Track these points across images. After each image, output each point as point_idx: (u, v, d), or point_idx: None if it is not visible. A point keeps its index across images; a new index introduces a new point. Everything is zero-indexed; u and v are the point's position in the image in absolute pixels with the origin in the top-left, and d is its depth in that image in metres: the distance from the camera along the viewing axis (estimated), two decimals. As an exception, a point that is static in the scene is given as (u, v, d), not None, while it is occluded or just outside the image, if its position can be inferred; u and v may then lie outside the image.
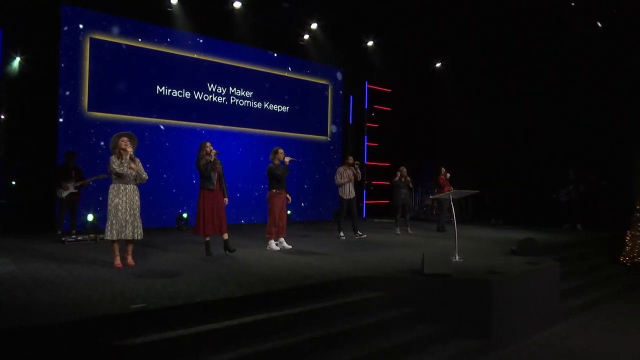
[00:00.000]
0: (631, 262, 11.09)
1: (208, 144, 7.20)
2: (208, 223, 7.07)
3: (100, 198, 10.35)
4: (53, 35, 10.33)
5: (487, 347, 5.69)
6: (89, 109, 10.72)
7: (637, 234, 11.21)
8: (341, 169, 10.28)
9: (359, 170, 10.24)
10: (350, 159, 10.37)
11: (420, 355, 5.18)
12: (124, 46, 11.19)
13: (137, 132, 8.54)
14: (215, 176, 7.11)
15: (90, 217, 10.28)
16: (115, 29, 11.10)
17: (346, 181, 10.09)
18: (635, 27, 11.75)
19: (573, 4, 10.97)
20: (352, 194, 10.16)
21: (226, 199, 7.31)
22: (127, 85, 11.20)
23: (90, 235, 8.85)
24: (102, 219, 10.17)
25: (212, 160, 7.10)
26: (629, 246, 11.24)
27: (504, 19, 12.44)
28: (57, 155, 10.25)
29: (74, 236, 8.75)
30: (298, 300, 5.14)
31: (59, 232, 9.24)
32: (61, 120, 10.41)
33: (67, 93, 10.47)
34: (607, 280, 9.47)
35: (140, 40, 11.44)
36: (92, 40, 10.78)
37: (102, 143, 10.76)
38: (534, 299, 6.58)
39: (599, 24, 11.49)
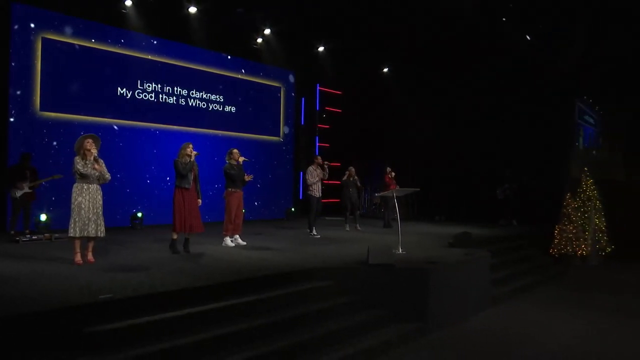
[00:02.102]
0: (558, 254, 12.16)
1: (190, 145, 7.55)
2: (184, 221, 7.35)
3: (53, 198, 10.42)
4: (3, 33, 10.27)
5: (425, 329, 6.33)
6: (41, 109, 10.71)
7: (564, 228, 12.29)
8: (311, 168, 10.79)
9: (327, 171, 10.78)
10: (320, 159, 10.92)
11: (365, 337, 5.73)
12: (77, 46, 11.22)
13: (91, 133, 8.65)
14: (191, 176, 7.44)
15: (43, 217, 10.29)
16: (68, 29, 11.11)
17: (317, 180, 10.62)
18: (559, 39, 12.88)
19: (504, 19, 11.96)
20: (320, 193, 10.72)
21: (199, 200, 7.64)
22: (80, 85, 11.24)
23: (45, 234, 8.93)
24: (55, 219, 10.23)
25: (191, 160, 7.41)
26: (557, 239, 12.30)
27: (445, 30, 13.30)
28: (8, 155, 10.21)
29: (29, 236, 8.82)
30: (254, 290, 5.58)
31: (12, 232, 9.27)
32: (12, 120, 10.36)
33: (18, 92, 10.44)
34: (536, 270, 10.40)
35: (93, 40, 11.49)
36: (44, 39, 10.77)
37: (54, 143, 10.79)
38: (467, 286, 7.30)
39: (528, 37, 12.54)
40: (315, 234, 10.51)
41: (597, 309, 7.99)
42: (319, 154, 16.67)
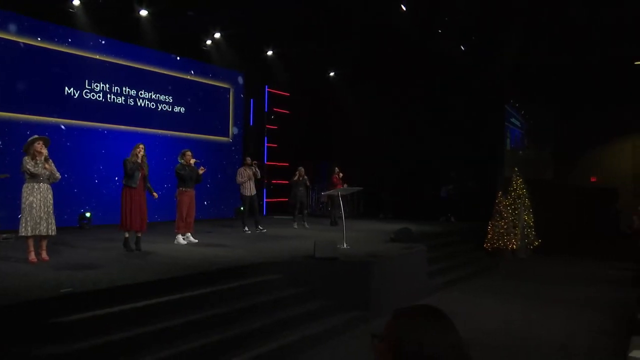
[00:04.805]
0: (491, 248, 13.08)
1: (141, 146, 7.77)
2: (131, 219, 7.55)
3: (-2, 198, 10.27)
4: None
5: (367, 317, 6.86)
6: (-15, 108, 10.53)
7: (496, 223, 13.23)
8: (241, 169, 11.30)
9: (257, 170, 11.22)
10: (249, 160, 11.37)
11: (311, 324, 6.20)
12: (21, 44, 11.08)
13: (38, 132, 8.62)
14: (139, 175, 7.63)
15: (-13, 218, 10.12)
16: (12, 27, 10.94)
17: (246, 179, 11.05)
18: (489, 49, 13.92)
19: (440, 31, 12.89)
20: (253, 191, 11.16)
21: (155, 194, 7.92)
22: (26, 84, 11.07)
23: (-7, 235, 8.85)
24: (2, 220, 10.07)
25: (139, 161, 7.63)
26: (490, 234, 13.22)
27: (386, 39, 14.04)
28: (-51, 154, 10.00)
29: (-26, 236, 8.72)
30: (207, 283, 5.95)
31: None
32: (-47, 119, 10.16)
33: (-40, 91, 10.23)
34: (470, 262, 11.25)
35: (39, 39, 11.36)
36: (-14, 37, 10.59)
37: (-1, 143, 10.63)
38: (405, 277, 7.92)
39: (462, 47, 13.52)
40: (247, 230, 10.91)
41: (522, 296, 8.82)
42: (268, 155, 17.14)
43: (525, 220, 13.70)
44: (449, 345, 1.29)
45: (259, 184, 11.77)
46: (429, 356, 1.26)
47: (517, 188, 13.84)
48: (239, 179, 11.13)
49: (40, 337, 4.27)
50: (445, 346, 1.28)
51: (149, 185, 7.91)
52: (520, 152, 17.62)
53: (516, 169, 14.02)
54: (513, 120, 17.17)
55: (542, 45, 13.62)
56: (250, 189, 11.13)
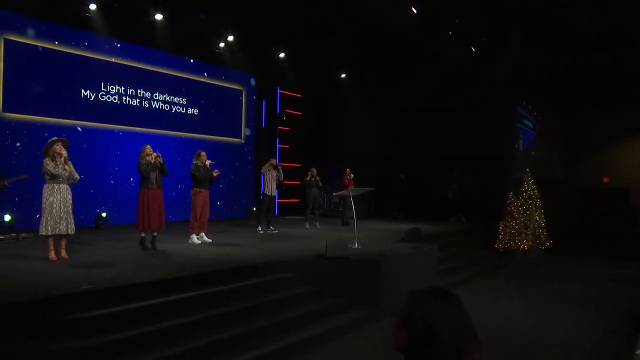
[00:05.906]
0: (503, 248, 13.10)
1: (148, 146, 8.01)
2: (147, 220, 7.75)
3: (17, 198, 10.54)
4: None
5: (376, 315, 6.97)
6: (4, 110, 10.78)
7: (508, 224, 13.25)
8: (267, 164, 11.39)
9: (281, 172, 11.36)
10: (274, 161, 11.53)
11: (320, 323, 6.32)
12: (40, 48, 11.35)
13: (55, 134, 8.83)
14: (154, 176, 7.83)
15: (7, 218, 10.39)
16: (31, 31, 11.22)
17: (270, 169, 11.19)
18: (500, 50, 13.95)
19: (450, 32, 12.96)
20: (274, 192, 11.32)
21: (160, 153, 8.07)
22: (43, 86, 11.35)
23: (12, 234, 9.11)
24: (19, 219, 10.35)
25: (152, 162, 7.81)
26: (501, 234, 13.24)
27: (398, 41, 14.14)
28: (-31, 156, 10.28)
29: (-6, 236, 8.98)
30: (220, 281, 6.10)
31: (-22, 232, 9.38)
32: (-25, 121, 10.44)
33: (-19, 94, 10.51)
34: (480, 262, 11.30)
35: (56, 42, 11.63)
36: (6, 41, 10.85)
37: (18, 144, 10.89)
38: (415, 276, 8.00)
39: (473, 49, 13.57)
40: (260, 229, 11.07)
41: (528, 296, 8.87)
42: (279, 155, 17.29)
43: (536, 221, 13.70)
44: (452, 319, 1.39)
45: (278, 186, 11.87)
46: (429, 326, 1.37)
47: (528, 188, 13.85)
48: (264, 169, 11.24)
49: (56, 332, 4.43)
50: (446, 319, 1.38)
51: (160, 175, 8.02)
52: (533, 152, 17.59)
53: (527, 169, 14.02)
54: (526, 121, 17.15)
55: (551, 46, 13.61)
56: (272, 189, 11.29)
